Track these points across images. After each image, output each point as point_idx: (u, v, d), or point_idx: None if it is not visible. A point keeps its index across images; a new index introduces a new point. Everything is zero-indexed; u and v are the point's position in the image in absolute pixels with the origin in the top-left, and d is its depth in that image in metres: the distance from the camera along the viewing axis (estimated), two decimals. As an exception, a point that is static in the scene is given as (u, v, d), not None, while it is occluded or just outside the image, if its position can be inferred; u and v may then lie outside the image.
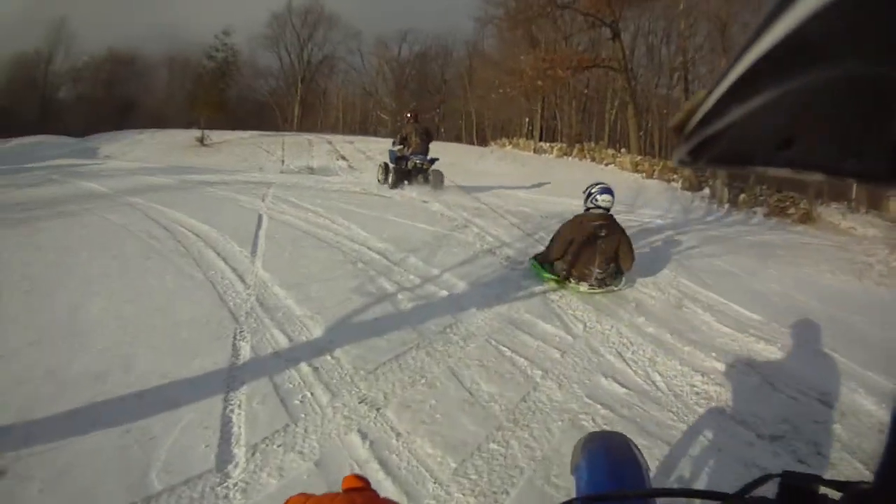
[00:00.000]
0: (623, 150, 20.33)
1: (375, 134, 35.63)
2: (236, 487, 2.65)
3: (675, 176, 15.22)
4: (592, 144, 21.84)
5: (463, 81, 40.30)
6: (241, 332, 4.23)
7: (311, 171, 17.79)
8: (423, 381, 3.64)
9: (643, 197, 12.08)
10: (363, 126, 43.80)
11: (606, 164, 18.27)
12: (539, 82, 23.05)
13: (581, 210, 5.84)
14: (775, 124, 0.41)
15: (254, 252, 6.16)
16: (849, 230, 10.55)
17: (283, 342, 4.09)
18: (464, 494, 2.66)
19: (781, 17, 0.31)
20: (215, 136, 24.65)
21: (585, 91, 32.95)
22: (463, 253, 6.52)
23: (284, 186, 11.15)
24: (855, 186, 9.62)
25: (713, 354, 4.22)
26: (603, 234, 5.46)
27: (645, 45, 33.27)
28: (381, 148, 16.16)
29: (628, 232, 5.76)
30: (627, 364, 4.01)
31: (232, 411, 3.24)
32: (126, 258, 5.97)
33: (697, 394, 3.67)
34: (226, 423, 3.13)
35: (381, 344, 4.10)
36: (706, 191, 13.39)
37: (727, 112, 0.41)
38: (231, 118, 33.24)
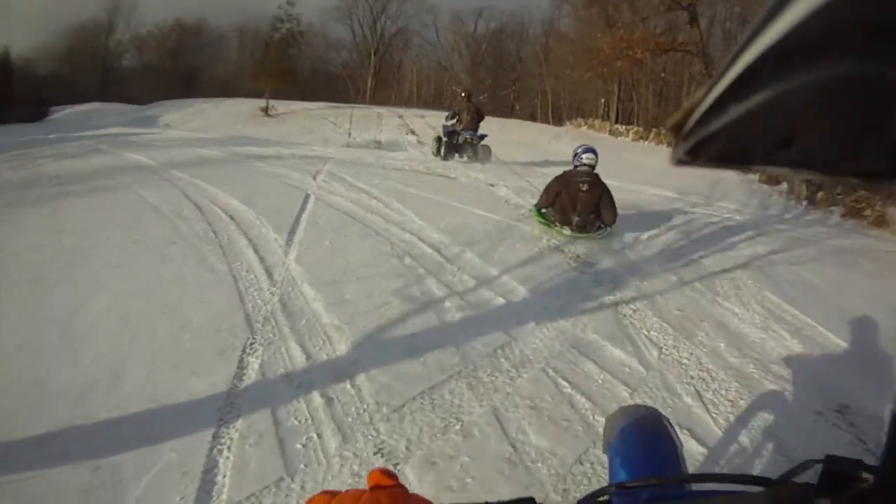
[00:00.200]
0: None
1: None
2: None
3: None
4: None
5: (538, 59, 39.83)
6: (252, 343, 3.72)
7: (377, 145, 17.44)
8: (457, 426, 2.96)
9: (720, 188, 11.51)
10: (438, 100, 43.30)
11: None
12: (618, 62, 23.09)
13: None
14: (775, 123, 0.42)
15: (290, 240, 5.67)
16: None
17: (299, 360, 3.53)
18: None
19: (781, 15, 0.31)
20: (282, 106, 24.61)
21: (663, 75, 32.11)
22: (526, 249, 5.83)
23: (342, 162, 10.68)
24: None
25: (802, 397, 3.47)
26: (584, 188, 6.54)
27: (721, 31, 32.51)
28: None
29: (709, 228, 6.35)
30: (707, 409, 3.24)
31: (219, 453, 2.74)
32: (148, 243, 5.64)
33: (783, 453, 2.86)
34: (209, 470, 2.63)
35: (416, 369, 3.47)
36: (784, 185, 12.78)
37: (726, 111, 0.41)
38: (303, 89, 33.46)
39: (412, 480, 2.57)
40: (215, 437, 2.82)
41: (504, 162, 12.06)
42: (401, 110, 25.37)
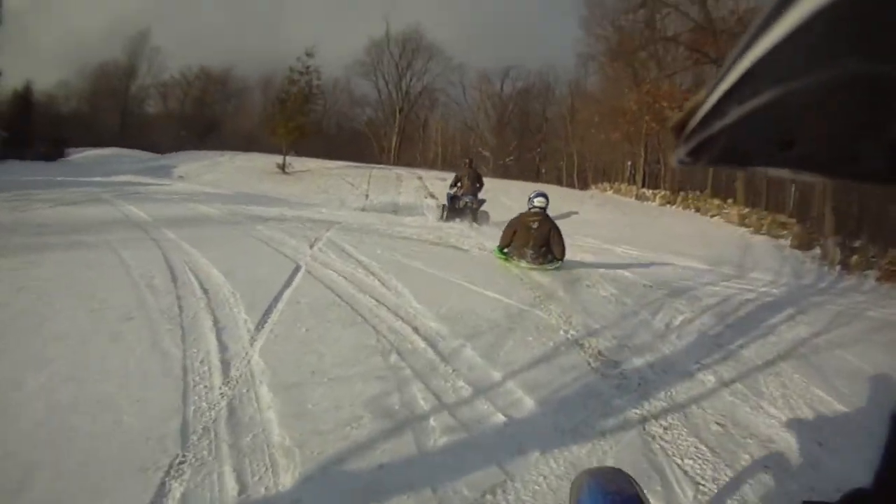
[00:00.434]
0: (729, 200, 19.84)
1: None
2: None
3: (783, 232, 15.38)
4: (697, 193, 21.58)
5: (564, 121, 40.35)
6: (181, 463, 3.02)
7: (395, 208, 17.23)
8: None
9: (751, 256, 11.80)
10: (463, 162, 43.28)
11: (712, 216, 18.34)
12: (645, 119, 23.61)
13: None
14: (775, 124, 0.43)
15: (261, 324, 5.01)
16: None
17: (230, 493, 2.82)
18: None
19: (781, 17, 0.34)
20: (299, 163, 24.41)
21: (690, 135, 32.24)
22: (540, 344, 5.12)
23: (347, 229, 10.12)
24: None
25: None
26: (535, 225, 7.90)
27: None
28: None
29: (745, 308, 6.56)
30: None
31: None
32: (105, 314, 5.03)
33: None
34: None
35: (374, 524, 2.77)
36: (817, 250, 13.49)
37: (727, 112, 0.44)
38: (327, 146, 33.61)
39: None
40: None
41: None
42: (421, 172, 25.10)
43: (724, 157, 0.50)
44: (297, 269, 6.83)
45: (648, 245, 11.58)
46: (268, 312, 5.30)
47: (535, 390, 4.17)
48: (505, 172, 36.02)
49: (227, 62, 47.23)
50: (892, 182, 0.41)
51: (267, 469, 3.05)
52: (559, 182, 33.95)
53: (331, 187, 20.75)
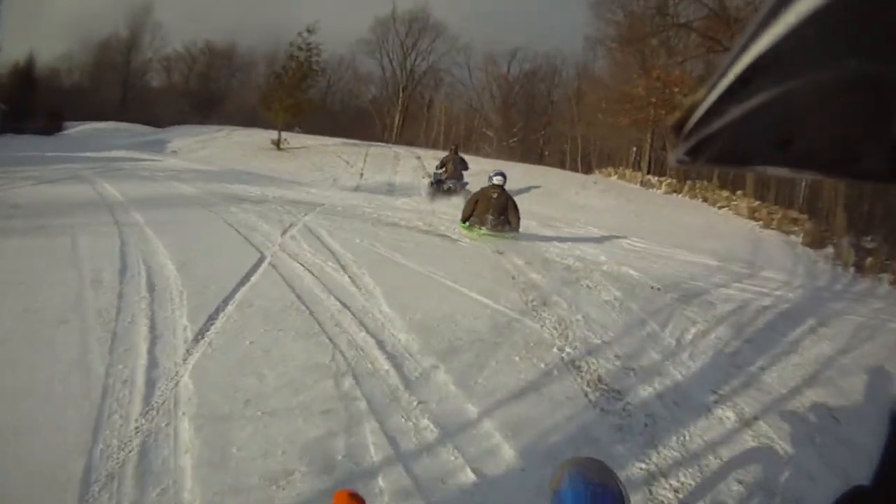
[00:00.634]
0: (738, 192, 18.79)
1: (477, 151, 33.71)
2: None
3: (795, 228, 14.59)
4: (705, 183, 20.33)
5: (570, 104, 38.73)
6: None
7: (389, 188, 16.48)
8: None
9: (763, 253, 11.20)
10: (466, 142, 42.27)
11: (720, 207, 17.37)
12: (653, 105, 22.61)
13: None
14: (775, 124, 0.43)
15: (202, 333, 4.24)
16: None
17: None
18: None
19: (780, 16, 0.32)
20: (296, 140, 23.44)
21: (699, 122, 31.59)
22: (529, 365, 4.30)
23: (330, 212, 9.31)
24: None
25: None
26: (495, 195, 8.65)
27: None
28: (473, 169, 15.09)
29: (763, 317, 6.02)
30: None
31: None
32: (39, 316, 4.39)
33: None
34: None
35: None
36: (829, 249, 12.77)
37: (726, 111, 0.42)
38: (331, 123, 32.83)
39: None
40: None
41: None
42: (420, 151, 24.09)
43: (723, 157, 0.49)
44: (261, 260, 6.03)
45: (656, 236, 10.76)
46: (213, 318, 4.54)
47: (517, 434, 3.35)
48: (509, 154, 35.13)
49: (232, 36, 46.01)
50: (892, 182, 0.42)
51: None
52: (562, 165, 32.81)
53: (326, 165, 19.74)
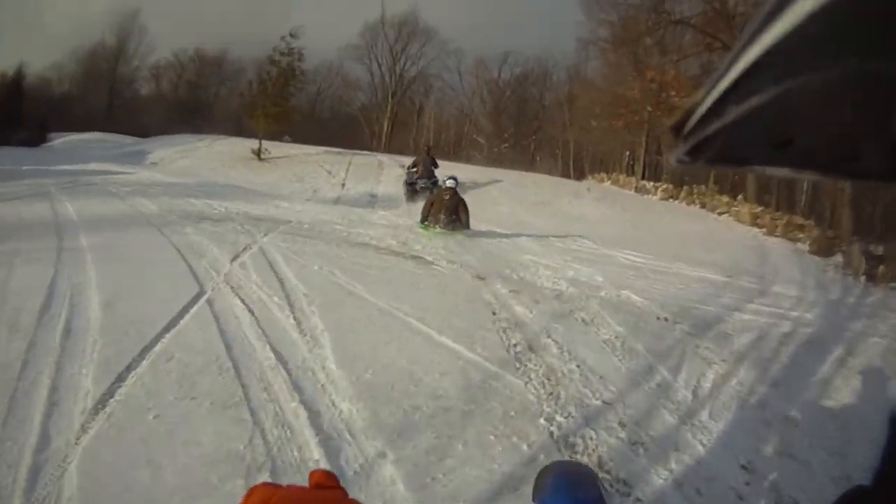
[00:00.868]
0: (739, 196, 17.99)
1: (468, 160, 32.76)
2: None
3: (800, 235, 14.03)
4: (703, 188, 19.48)
5: (562, 108, 38.04)
6: None
7: (371, 200, 15.77)
8: None
9: (769, 264, 10.70)
10: (456, 149, 41.38)
11: (720, 214, 16.62)
12: (648, 108, 22.16)
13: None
14: (774, 124, 0.43)
15: (106, 398, 3.45)
16: None
17: None
18: None
19: (780, 16, 0.32)
20: (277, 149, 22.44)
21: (696, 124, 30.88)
22: (507, 447, 3.36)
23: (294, 232, 8.41)
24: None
25: None
26: (447, 197, 9.91)
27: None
28: (462, 179, 13.96)
29: (786, 350, 5.37)
30: None
31: None
32: None
33: None
34: None
35: None
36: (838, 257, 12.19)
37: (725, 112, 0.42)
38: (319, 130, 32.26)
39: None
40: None
41: (508, 234, 10.26)
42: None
43: (722, 157, 0.49)
44: (199, 296, 5.17)
45: (656, 249, 9.94)
46: (122, 378, 3.71)
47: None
48: (500, 161, 34.09)
49: (222, 44, 45.08)
50: (892, 181, 0.42)
51: None
52: (554, 171, 31.83)
53: (307, 175, 18.79)
